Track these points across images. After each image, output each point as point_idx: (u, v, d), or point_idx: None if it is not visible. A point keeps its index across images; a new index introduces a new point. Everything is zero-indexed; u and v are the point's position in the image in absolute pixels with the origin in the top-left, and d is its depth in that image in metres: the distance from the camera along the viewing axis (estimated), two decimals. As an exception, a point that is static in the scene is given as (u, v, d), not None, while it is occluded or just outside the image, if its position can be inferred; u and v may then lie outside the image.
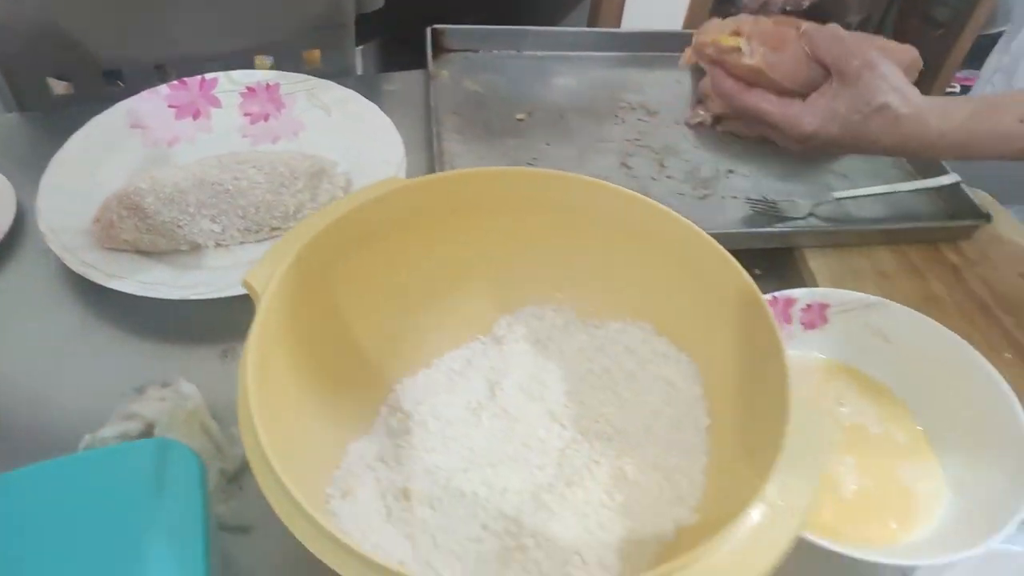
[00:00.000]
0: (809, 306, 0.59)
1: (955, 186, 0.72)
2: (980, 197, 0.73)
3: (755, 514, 0.36)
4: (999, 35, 2.00)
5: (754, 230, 0.69)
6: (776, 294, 0.59)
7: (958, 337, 0.56)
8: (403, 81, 0.87)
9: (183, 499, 0.41)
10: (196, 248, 0.64)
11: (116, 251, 0.63)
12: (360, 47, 1.41)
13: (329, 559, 0.33)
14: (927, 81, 1.94)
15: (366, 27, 0.90)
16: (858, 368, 0.59)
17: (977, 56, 2.30)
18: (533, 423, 0.52)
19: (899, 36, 2.26)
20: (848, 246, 0.69)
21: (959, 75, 2.24)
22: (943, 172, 0.74)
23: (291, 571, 0.48)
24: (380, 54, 1.27)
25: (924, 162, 0.77)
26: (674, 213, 0.51)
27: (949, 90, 2.17)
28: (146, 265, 0.62)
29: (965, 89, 2.23)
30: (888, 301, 0.58)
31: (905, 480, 0.53)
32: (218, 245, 0.63)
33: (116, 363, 0.59)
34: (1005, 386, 0.53)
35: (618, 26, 1.41)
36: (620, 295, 0.55)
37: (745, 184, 0.75)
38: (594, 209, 0.53)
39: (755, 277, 0.60)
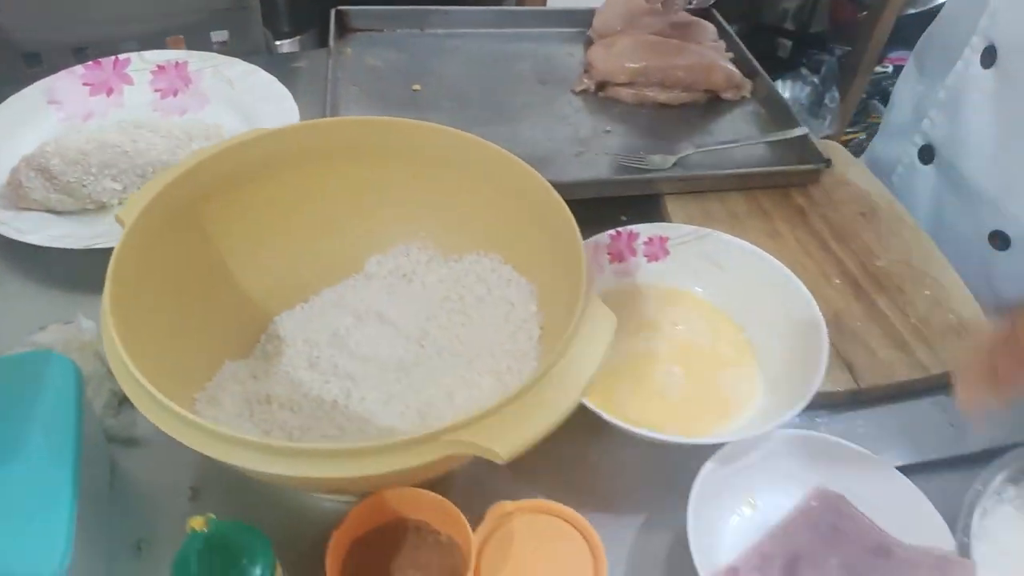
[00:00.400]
0: (651, 239, 0.66)
1: (803, 137, 0.80)
2: (826, 146, 0.80)
3: (543, 384, 0.43)
4: (926, 13, 2.09)
5: (618, 178, 0.76)
6: (620, 229, 0.65)
7: (778, 262, 0.63)
8: (309, 59, 0.93)
9: (59, 399, 0.47)
10: (102, 207, 0.70)
11: (29, 211, 0.69)
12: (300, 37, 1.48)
13: (179, 434, 0.39)
14: (857, 61, 2.03)
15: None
16: (695, 293, 0.66)
17: (910, 36, 2.38)
18: (393, 343, 0.58)
19: (833, 19, 2.34)
20: (705, 192, 0.76)
21: (892, 56, 2.33)
22: (795, 125, 0.81)
23: (170, 476, 0.54)
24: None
25: (778, 116, 0.84)
26: (517, 159, 0.57)
27: (881, 70, 2.27)
28: (56, 222, 0.68)
29: (898, 69, 2.33)
30: (719, 232, 0.65)
31: (727, 385, 0.60)
32: (121, 203, 0.69)
33: (26, 308, 0.64)
34: (813, 303, 0.60)
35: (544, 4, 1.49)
36: (475, 232, 0.62)
37: (619, 142, 0.82)
38: (448, 154, 0.60)
39: (622, 223, 0.68)
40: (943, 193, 0.79)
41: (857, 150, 2.38)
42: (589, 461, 0.58)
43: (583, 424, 0.58)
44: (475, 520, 0.50)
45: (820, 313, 0.59)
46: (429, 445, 0.40)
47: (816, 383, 0.54)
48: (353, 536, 0.49)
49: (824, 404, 0.61)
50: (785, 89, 2.11)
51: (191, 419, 0.39)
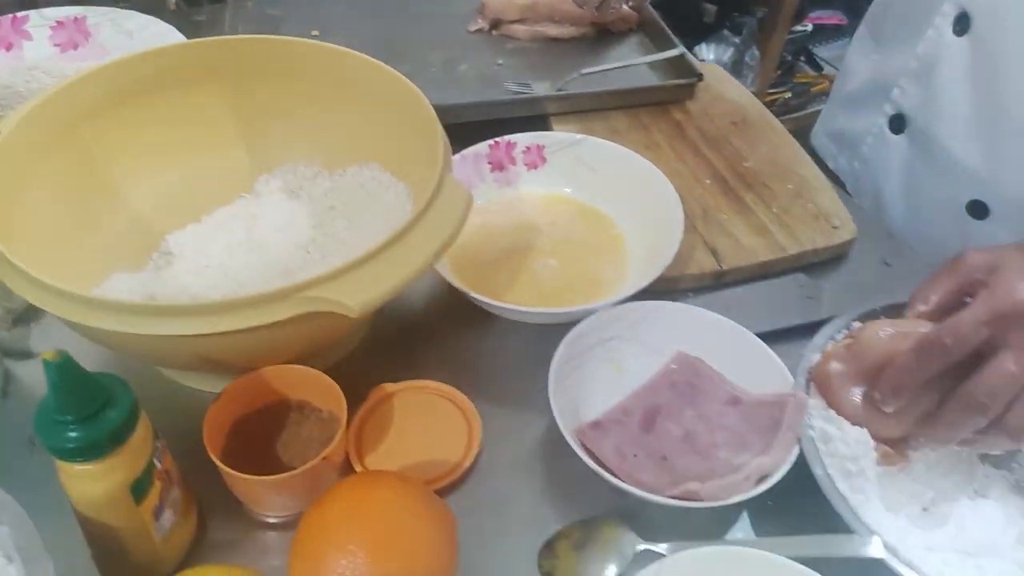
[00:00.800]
0: (529, 148, 0.70)
1: (680, 56, 0.84)
2: (702, 66, 0.84)
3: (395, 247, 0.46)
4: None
5: (504, 98, 0.79)
6: (498, 139, 0.69)
7: (646, 161, 0.68)
8: (211, 12, 0.95)
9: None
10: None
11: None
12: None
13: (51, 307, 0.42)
14: (774, 21, 2.10)
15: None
16: (571, 195, 0.70)
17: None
18: (281, 252, 0.61)
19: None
20: (588, 112, 0.80)
21: (811, 15, 2.40)
22: (673, 47, 0.85)
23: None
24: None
25: (661, 43, 0.89)
26: (386, 67, 0.61)
27: (800, 28, 2.34)
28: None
29: (818, 28, 2.40)
30: (592, 137, 0.70)
31: (599, 272, 0.64)
32: (17, 144, 0.71)
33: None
34: (675, 197, 0.64)
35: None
36: (357, 144, 0.65)
37: (511, 74, 0.86)
38: (327, 70, 0.63)
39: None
40: (916, 163, 0.77)
41: (783, 109, 2.44)
42: (473, 348, 0.62)
43: (468, 315, 0.63)
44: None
45: (680, 203, 0.63)
46: (283, 302, 0.44)
47: (668, 258, 0.58)
48: (235, 416, 0.52)
49: (693, 287, 0.66)
50: (709, 51, 2.18)
51: (46, 282, 0.42)
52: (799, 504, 0.50)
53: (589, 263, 0.65)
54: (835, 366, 0.52)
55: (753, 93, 0.86)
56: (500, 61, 0.88)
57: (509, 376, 0.60)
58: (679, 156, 0.76)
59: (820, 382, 0.53)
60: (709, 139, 0.78)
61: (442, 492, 0.52)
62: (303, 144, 0.67)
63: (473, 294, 0.57)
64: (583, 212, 0.69)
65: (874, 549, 0.45)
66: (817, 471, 0.49)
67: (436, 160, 0.52)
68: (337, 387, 0.51)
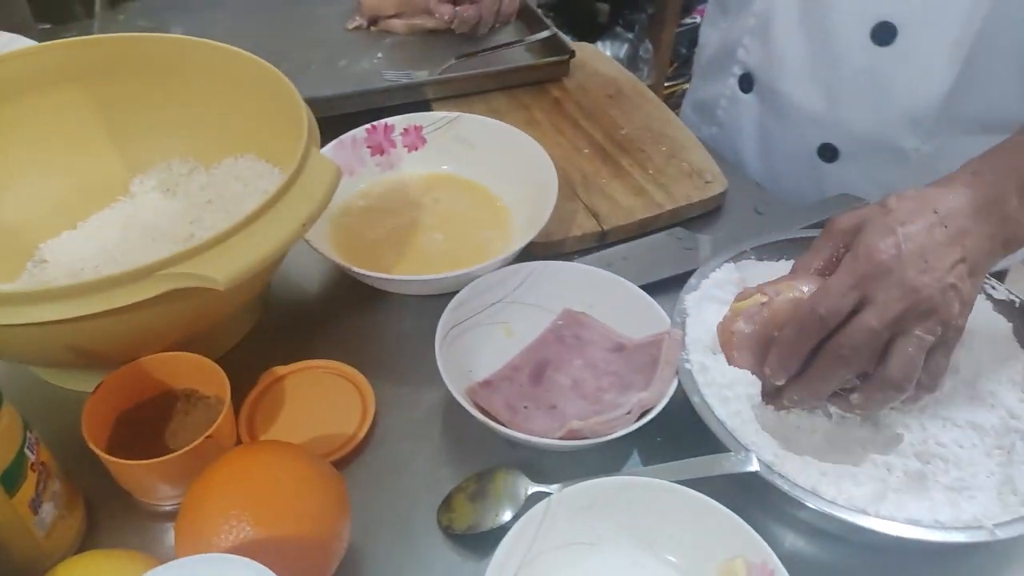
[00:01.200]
0: (407, 129, 0.71)
1: (554, 36, 0.87)
2: (575, 45, 0.87)
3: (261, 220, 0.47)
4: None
5: (382, 86, 0.80)
6: (375, 123, 0.70)
7: (522, 133, 0.69)
8: (80, 28, 0.93)
9: None
10: None
11: None
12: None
13: None
14: (664, 14, 2.17)
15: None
16: (453, 172, 0.72)
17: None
18: (159, 248, 0.61)
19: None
20: (469, 95, 0.82)
21: (700, 7, 2.50)
22: (544, 28, 0.88)
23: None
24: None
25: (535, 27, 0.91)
26: (249, 55, 0.61)
27: (690, 20, 2.43)
28: None
29: (706, 20, 2.50)
30: (468, 114, 0.71)
31: (483, 242, 0.66)
32: None
33: None
34: (549, 163, 0.66)
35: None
36: (230, 137, 0.65)
37: (389, 64, 0.87)
38: (188, 65, 0.63)
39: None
40: (767, 117, 0.80)
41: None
42: (366, 326, 0.62)
43: (360, 296, 0.63)
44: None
45: (553, 167, 0.65)
46: (148, 279, 0.43)
47: (544, 220, 0.60)
48: (119, 409, 0.51)
49: (578, 248, 0.68)
50: (605, 48, 2.23)
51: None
52: (686, 437, 0.52)
53: (474, 234, 0.66)
54: (741, 326, 0.53)
55: (650, 86, 0.89)
56: (380, 55, 0.89)
57: (402, 350, 0.61)
58: (559, 130, 0.79)
59: (723, 338, 0.53)
60: (587, 112, 0.81)
61: (340, 464, 0.52)
62: (175, 141, 0.66)
63: (358, 269, 0.57)
64: (466, 187, 0.70)
65: (751, 464, 0.48)
66: (695, 399, 0.51)
67: (301, 135, 0.53)
68: (220, 370, 0.50)
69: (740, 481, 0.48)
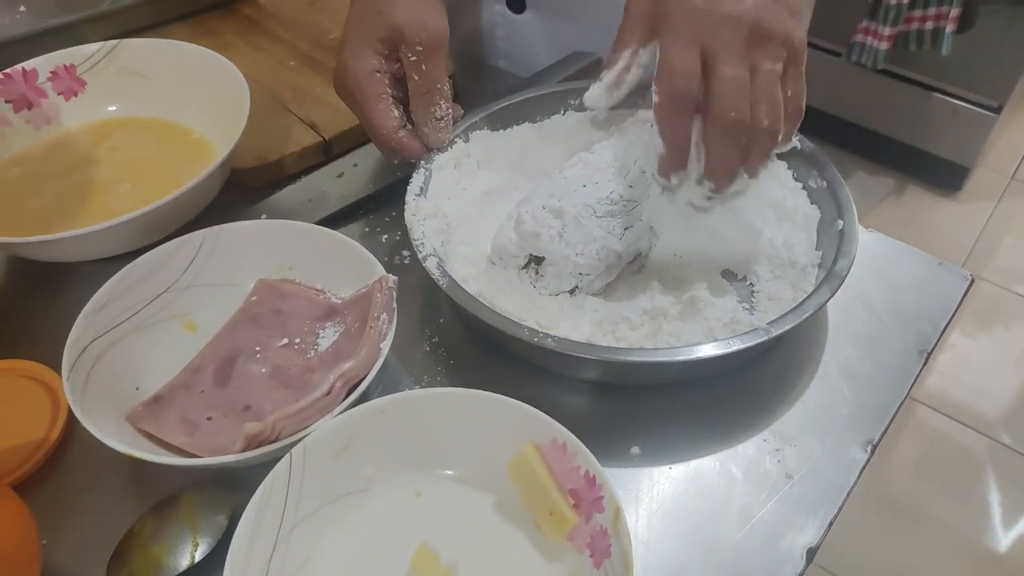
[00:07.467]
0: (55, 73, 0.57)
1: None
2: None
3: None
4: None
5: (22, 31, 0.65)
6: (8, 70, 0.56)
7: (198, 46, 0.58)
8: None
9: None
10: None
11: None
12: None
13: None
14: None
15: None
16: (129, 114, 0.59)
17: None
18: None
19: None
20: (141, 30, 0.69)
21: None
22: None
23: None
24: None
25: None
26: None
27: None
28: None
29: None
30: (127, 39, 0.59)
31: (184, 179, 0.54)
32: None
33: None
34: (236, 71, 0.56)
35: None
36: None
37: (36, 16, 0.71)
38: None
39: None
40: None
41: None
42: (51, 313, 0.50)
43: (40, 278, 0.50)
44: None
45: (241, 76, 0.55)
46: None
47: (233, 141, 0.50)
48: None
49: (303, 167, 0.58)
50: None
51: None
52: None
53: (172, 174, 0.55)
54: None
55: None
56: (22, 8, 0.73)
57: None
58: (257, 48, 0.68)
59: None
60: (287, 24, 0.71)
61: (30, 481, 0.40)
62: None
63: (20, 239, 0.44)
64: (147, 127, 0.58)
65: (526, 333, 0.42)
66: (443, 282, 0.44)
67: None
68: None
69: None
